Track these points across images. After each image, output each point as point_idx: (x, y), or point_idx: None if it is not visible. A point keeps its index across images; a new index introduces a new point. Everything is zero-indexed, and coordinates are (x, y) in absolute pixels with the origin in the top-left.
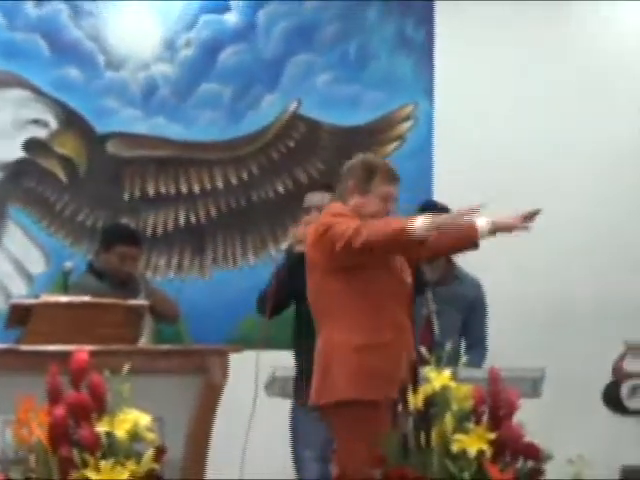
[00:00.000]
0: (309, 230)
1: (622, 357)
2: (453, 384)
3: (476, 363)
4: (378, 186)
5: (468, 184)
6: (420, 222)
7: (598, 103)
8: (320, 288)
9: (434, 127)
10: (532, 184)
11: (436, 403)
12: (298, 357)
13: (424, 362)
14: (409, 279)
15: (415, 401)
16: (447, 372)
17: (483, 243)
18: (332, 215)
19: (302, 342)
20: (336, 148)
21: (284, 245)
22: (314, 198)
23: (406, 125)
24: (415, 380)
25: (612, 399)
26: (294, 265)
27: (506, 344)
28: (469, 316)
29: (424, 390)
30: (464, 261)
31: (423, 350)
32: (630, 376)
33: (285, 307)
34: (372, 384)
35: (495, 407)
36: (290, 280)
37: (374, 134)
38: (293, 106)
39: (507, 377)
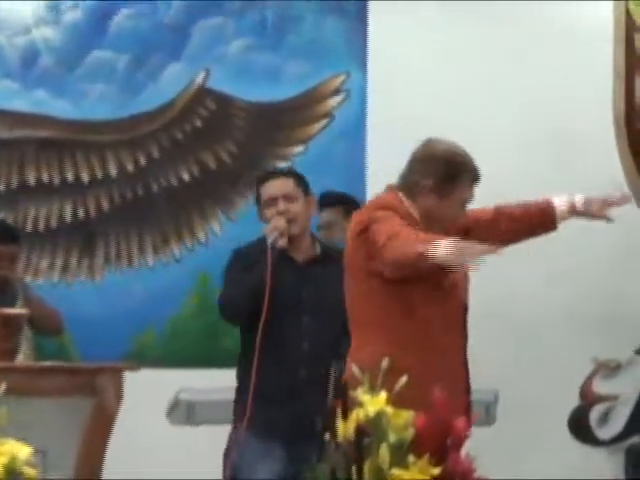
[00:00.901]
0: (352, 223)
1: (591, 377)
2: (390, 409)
3: None
4: (463, 188)
5: None
6: (443, 248)
7: (540, 74)
8: (354, 293)
9: (368, 102)
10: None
11: (370, 432)
12: (248, 376)
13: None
14: (464, 293)
15: (345, 429)
16: (383, 394)
17: None
18: (377, 207)
19: (261, 357)
20: (252, 128)
21: (269, 240)
22: (276, 186)
23: (335, 100)
24: (345, 404)
25: (579, 426)
26: (277, 262)
27: None
28: None
29: (356, 416)
30: None
31: (355, 369)
32: (601, 399)
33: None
34: None
35: (440, 436)
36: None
37: (297, 111)
38: (201, 78)
39: None
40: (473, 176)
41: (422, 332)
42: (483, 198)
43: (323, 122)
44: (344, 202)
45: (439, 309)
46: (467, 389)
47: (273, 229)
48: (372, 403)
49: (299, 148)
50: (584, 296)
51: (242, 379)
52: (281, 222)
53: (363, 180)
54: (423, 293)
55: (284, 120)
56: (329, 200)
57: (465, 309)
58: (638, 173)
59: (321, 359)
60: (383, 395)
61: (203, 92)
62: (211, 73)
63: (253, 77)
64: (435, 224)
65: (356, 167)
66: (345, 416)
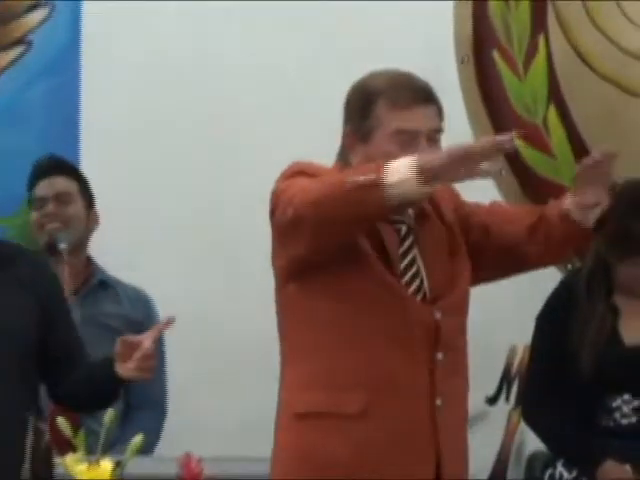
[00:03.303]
0: None
1: None
2: None
3: (150, 442)
4: (385, 118)
5: (137, 112)
6: (402, 167)
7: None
8: (277, 302)
9: (82, 22)
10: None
11: None
12: None
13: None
14: (444, 308)
15: None
16: (108, 462)
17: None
18: (288, 176)
19: None
20: None
21: None
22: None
23: (33, 19)
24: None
25: None
26: None
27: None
28: None
29: None
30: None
31: (63, 423)
32: None
33: None
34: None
35: None
36: None
37: None
38: None
39: (230, 474)
40: (396, 94)
41: (362, 362)
42: None
43: (16, 52)
44: (74, 170)
45: (398, 322)
46: (436, 460)
47: None
48: (90, 474)
49: None
50: None
51: None
52: None
53: (76, 135)
54: (361, 306)
55: None
56: (59, 165)
57: (437, 331)
58: (490, 121)
59: None
60: (108, 464)
61: None
62: None
63: None
64: None
65: (65, 117)
66: None
